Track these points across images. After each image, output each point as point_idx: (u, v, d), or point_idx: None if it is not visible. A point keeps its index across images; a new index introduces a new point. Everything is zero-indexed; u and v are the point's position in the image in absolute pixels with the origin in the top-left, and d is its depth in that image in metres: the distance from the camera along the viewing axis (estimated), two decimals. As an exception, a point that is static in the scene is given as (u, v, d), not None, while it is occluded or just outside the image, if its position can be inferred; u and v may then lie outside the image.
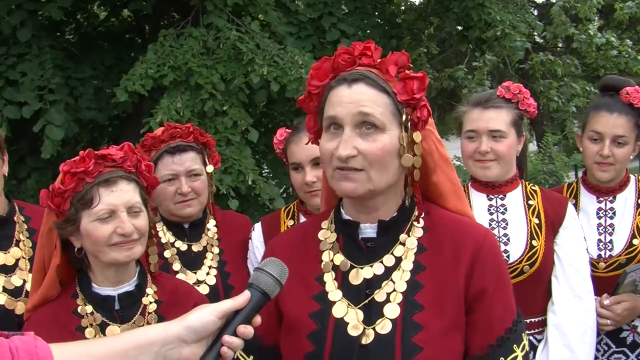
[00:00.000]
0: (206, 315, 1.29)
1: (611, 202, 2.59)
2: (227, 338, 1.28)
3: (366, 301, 1.48)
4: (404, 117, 1.45)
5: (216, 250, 2.50)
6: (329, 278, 1.52)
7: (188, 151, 2.44)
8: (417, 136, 1.47)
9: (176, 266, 2.42)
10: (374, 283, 1.49)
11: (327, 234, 1.59)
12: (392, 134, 1.45)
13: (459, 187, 1.63)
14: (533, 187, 2.50)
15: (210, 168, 2.52)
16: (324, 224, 1.62)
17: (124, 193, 1.82)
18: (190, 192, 2.41)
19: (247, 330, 1.30)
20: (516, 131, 2.44)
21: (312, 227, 1.64)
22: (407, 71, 1.48)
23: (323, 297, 1.51)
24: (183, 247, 2.47)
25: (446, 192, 1.59)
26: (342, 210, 1.59)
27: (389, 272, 1.50)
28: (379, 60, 1.48)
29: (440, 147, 1.57)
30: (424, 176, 1.54)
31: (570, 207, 2.43)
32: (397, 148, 1.45)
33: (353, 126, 1.44)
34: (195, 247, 2.48)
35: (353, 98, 1.44)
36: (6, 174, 2.27)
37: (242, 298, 1.31)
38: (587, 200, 2.62)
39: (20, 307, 2.15)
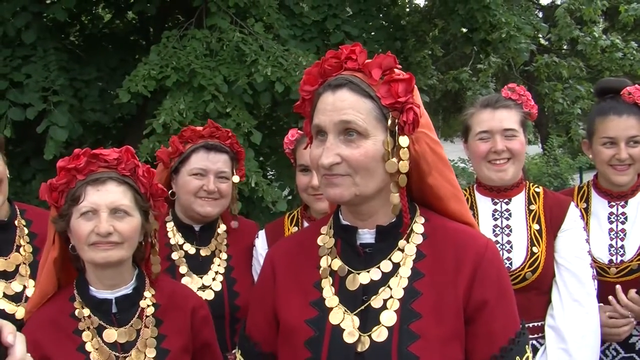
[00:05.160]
0: None
1: (623, 206, 2.54)
2: None
3: (362, 307, 1.46)
4: (389, 122, 1.42)
5: (224, 255, 2.48)
6: (326, 284, 1.51)
7: (223, 153, 2.46)
8: (403, 140, 1.42)
9: (183, 269, 2.40)
10: (371, 289, 1.47)
11: (325, 239, 1.57)
12: (376, 139, 1.42)
13: (459, 190, 1.59)
14: (536, 189, 2.46)
15: (236, 178, 2.51)
16: (324, 229, 1.60)
17: (109, 194, 1.81)
18: (215, 192, 2.40)
19: None
20: (523, 131, 2.43)
21: (311, 233, 1.63)
22: (394, 72, 1.43)
23: (320, 304, 1.49)
24: (191, 250, 2.45)
25: (444, 194, 1.55)
26: (340, 215, 1.57)
27: (386, 278, 1.47)
28: (363, 63, 1.45)
29: (437, 149, 1.53)
30: (420, 179, 1.51)
31: (572, 209, 2.38)
32: (382, 153, 1.42)
33: (336, 133, 1.42)
34: (204, 252, 2.46)
35: (336, 105, 1.42)
36: (8, 176, 2.26)
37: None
38: (599, 204, 2.58)
39: (20, 312, 2.13)
